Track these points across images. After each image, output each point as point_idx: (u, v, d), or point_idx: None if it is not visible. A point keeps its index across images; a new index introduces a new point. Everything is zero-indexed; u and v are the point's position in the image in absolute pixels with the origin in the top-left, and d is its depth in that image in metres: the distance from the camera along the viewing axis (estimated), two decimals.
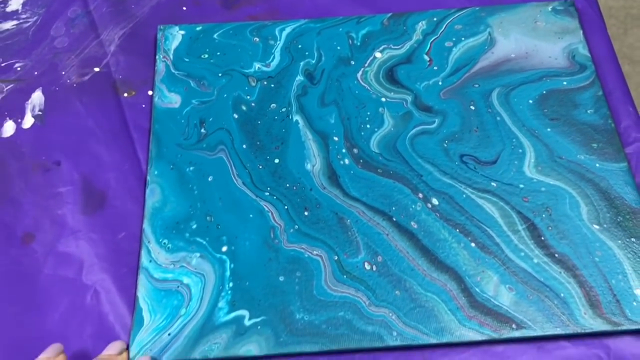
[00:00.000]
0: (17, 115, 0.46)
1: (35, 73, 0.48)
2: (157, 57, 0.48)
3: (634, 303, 0.37)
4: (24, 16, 0.52)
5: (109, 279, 0.39)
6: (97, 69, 0.48)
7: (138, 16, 0.51)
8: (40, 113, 0.46)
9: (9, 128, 0.46)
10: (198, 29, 0.49)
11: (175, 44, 0.48)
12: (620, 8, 1.20)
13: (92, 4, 0.52)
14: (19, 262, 0.40)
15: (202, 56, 0.48)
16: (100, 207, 0.42)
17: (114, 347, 0.35)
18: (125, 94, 0.47)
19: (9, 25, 0.51)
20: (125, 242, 0.40)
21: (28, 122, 0.46)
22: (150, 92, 0.46)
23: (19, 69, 0.49)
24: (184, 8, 0.51)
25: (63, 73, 0.48)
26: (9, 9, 0.52)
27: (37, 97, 0.47)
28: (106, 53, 0.49)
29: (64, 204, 0.42)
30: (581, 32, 0.47)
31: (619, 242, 0.39)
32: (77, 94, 0.47)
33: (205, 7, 0.51)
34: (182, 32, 0.49)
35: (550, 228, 0.39)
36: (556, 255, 0.39)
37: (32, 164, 0.44)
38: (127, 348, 0.36)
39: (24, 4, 0.52)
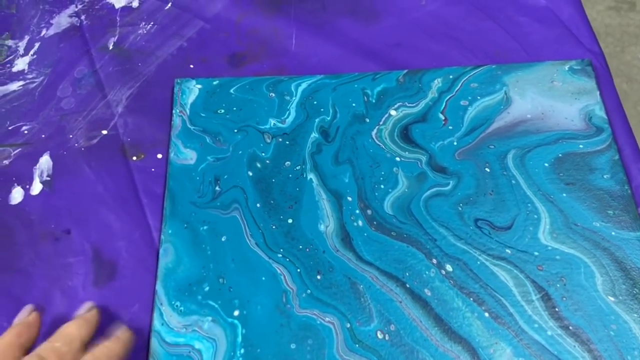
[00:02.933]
0: (25, 181, 0.47)
1: (43, 136, 0.49)
2: (173, 111, 0.48)
3: None
4: (30, 76, 0.52)
5: None
6: (104, 132, 0.48)
7: (145, 75, 0.51)
8: (48, 179, 0.46)
9: (17, 195, 0.46)
10: (215, 83, 0.50)
11: (192, 98, 0.49)
12: (616, 26, 1.20)
13: (98, 63, 0.52)
14: None
15: (219, 111, 0.48)
16: (112, 278, 0.42)
17: (82, 308, 0.38)
18: (135, 158, 0.47)
19: (15, 86, 0.52)
20: (137, 314, 0.40)
21: (36, 188, 0.46)
22: (159, 155, 0.47)
23: (26, 132, 0.49)
24: (191, 66, 0.52)
25: (71, 136, 0.48)
26: (15, 69, 0.53)
27: (45, 162, 0.47)
28: (113, 114, 0.49)
29: (75, 275, 0.42)
30: (598, 93, 0.47)
31: (635, 315, 0.38)
32: (86, 159, 0.47)
33: (212, 64, 0.52)
34: (199, 86, 0.49)
35: (564, 299, 0.39)
36: (570, 327, 0.38)
37: (41, 232, 0.44)
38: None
39: (30, 64, 0.53)
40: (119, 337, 0.37)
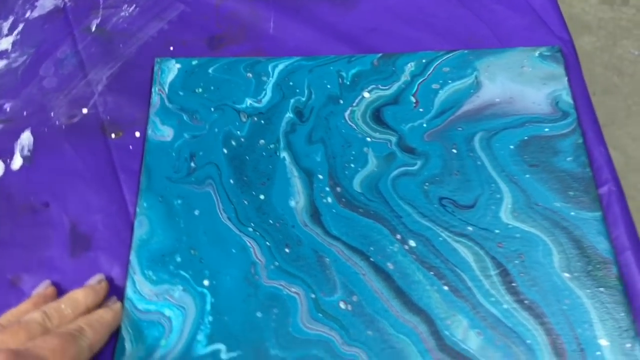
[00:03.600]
0: (7, 155, 0.48)
1: (25, 113, 0.50)
2: (152, 89, 0.50)
3: (598, 353, 0.38)
4: (13, 56, 0.53)
5: None
6: (85, 110, 0.50)
7: (125, 56, 0.53)
8: (29, 154, 0.48)
9: None
10: (194, 62, 0.51)
11: (171, 77, 0.50)
12: (609, 20, 1.21)
13: (80, 44, 0.54)
14: (8, 304, 0.41)
15: (197, 90, 0.49)
16: (87, 249, 0.44)
17: (93, 279, 0.41)
18: (113, 135, 0.48)
19: None
20: (111, 284, 0.42)
21: (17, 163, 0.48)
22: (137, 134, 0.48)
23: (8, 109, 0.50)
24: (171, 48, 0.53)
25: (52, 114, 0.50)
26: None
27: (26, 138, 0.49)
28: (94, 93, 0.51)
29: (52, 246, 0.44)
30: (566, 79, 0.48)
31: (588, 291, 0.40)
32: (66, 135, 0.49)
33: (192, 47, 0.53)
34: (179, 65, 0.51)
35: (522, 274, 0.41)
36: (526, 302, 0.40)
37: (21, 205, 0.46)
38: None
39: (13, 43, 0.54)
40: (111, 307, 0.40)
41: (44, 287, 0.41)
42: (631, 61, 1.17)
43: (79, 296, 0.39)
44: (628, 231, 0.42)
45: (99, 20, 0.56)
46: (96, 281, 0.41)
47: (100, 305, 0.40)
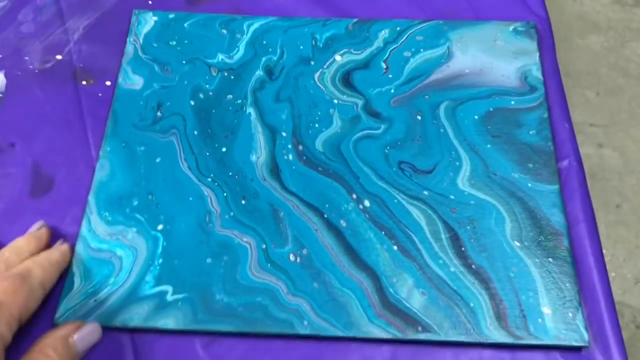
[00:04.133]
0: None
1: (0, 56, 0.51)
2: (127, 39, 0.50)
3: (539, 320, 0.38)
4: None
5: None
6: (59, 57, 0.50)
7: (105, 7, 0.53)
8: (0, 96, 0.48)
9: None
10: (171, 16, 0.51)
11: (146, 28, 0.51)
12: (619, 20, 1.20)
13: None
14: None
15: (170, 43, 0.50)
16: (48, 191, 0.44)
17: (33, 227, 0.41)
18: (84, 82, 0.49)
19: None
20: (69, 226, 0.42)
21: None
22: (108, 83, 0.49)
23: None
24: (150, 2, 0.53)
25: (26, 58, 0.50)
26: None
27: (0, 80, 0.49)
28: (69, 41, 0.51)
29: (13, 185, 0.44)
30: (537, 54, 0.49)
31: (536, 260, 0.40)
32: (38, 80, 0.49)
33: (170, 2, 0.53)
34: (155, 18, 0.51)
35: (472, 240, 0.41)
36: (473, 266, 0.40)
37: None
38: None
39: None
40: (58, 247, 0.40)
41: (37, 228, 0.41)
42: (638, 63, 1.16)
43: (21, 243, 0.39)
44: (583, 205, 0.43)
45: None
46: (36, 227, 0.41)
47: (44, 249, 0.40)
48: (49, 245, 0.41)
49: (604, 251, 0.42)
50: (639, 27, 1.21)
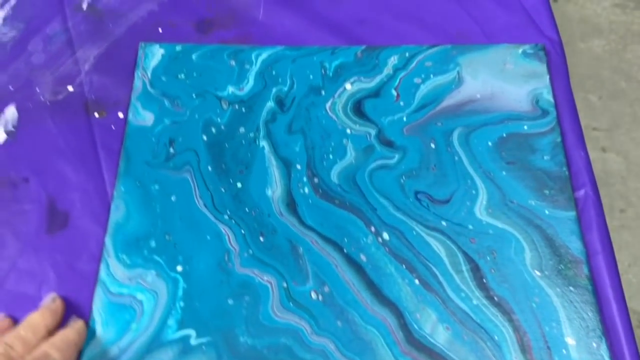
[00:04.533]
0: None
1: (11, 88, 0.50)
2: (135, 74, 0.50)
3: (564, 351, 0.38)
4: (3, 30, 0.53)
5: (67, 298, 0.41)
6: (70, 88, 0.50)
7: (114, 36, 0.53)
8: (13, 129, 0.48)
9: None
10: (178, 48, 0.51)
11: (154, 62, 0.50)
12: (621, 23, 1.20)
13: (70, 21, 0.54)
14: None
15: (179, 76, 0.49)
16: (64, 227, 0.44)
17: (47, 299, 0.41)
18: (97, 114, 0.49)
19: None
20: (85, 263, 0.42)
21: (0, 137, 0.48)
22: (121, 114, 0.48)
23: None
24: (160, 30, 0.53)
25: (37, 90, 0.50)
26: None
27: (11, 113, 0.49)
28: (80, 72, 0.51)
29: (29, 222, 0.44)
30: (548, 77, 0.49)
31: (558, 290, 0.40)
32: (50, 112, 0.49)
33: (180, 30, 0.53)
34: (162, 50, 0.51)
35: (493, 271, 0.41)
36: (495, 298, 0.40)
37: (1, 178, 0.46)
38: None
39: (4, 19, 0.54)
40: (73, 326, 0.39)
41: (51, 301, 0.40)
42: None
43: (37, 319, 0.39)
44: (601, 236, 0.43)
45: None
46: (50, 300, 0.40)
47: (61, 323, 0.40)
48: (64, 316, 0.40)
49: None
50: None
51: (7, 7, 0.55)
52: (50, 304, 0.40)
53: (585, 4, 1.21)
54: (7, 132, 0.48)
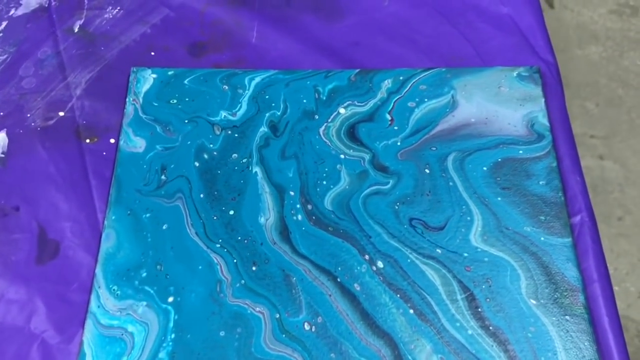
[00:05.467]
0: None
1: (1, 114, 0.50)
2: (127, 99, 0.49)
3: None
4: None
5: (57, 330, 0.41)
6: (61, 114, 0.50)
7: (106, 59, 0.52)
8: (2, 156, 0.47)
9: None
10: (170, 73, 0.51)
11: (146, 87, 0.50)
12: (618, 30, 1.20)
13: (62, 44, 0.53)
14: None
15: (171, 101, 0.49)
16: (54, 257, 0.43)
17: None
18: (88, 140, 0.48)
19: None
20: (76, 294, 0.42)
21: None
22: (112, 140, 0.48)
23: None
24: (152, 53, 0.53)
25: (28, 115, 0.50)
26: None
27: (1, 139, 0.48)
28: (72, 97, 0.50)
29: (19, 251, 0.43)
30: (543, 100, 0.48)
31: (554, 319, 0.40)
32: (41, 138, 0.48)
33: (173, 53, 0.53)
34: (154, 75, 0.50)
35: (488, 300, 0.41)
36: (490, 328, 0.40)
37: None
38: None
39: None
40: None
41: None
42: (637, 74, 1.16)
43: None
44: (597, 263, 0.42)
45: (82, 21, 0.55)
46: None
47: None
48: None
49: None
50: (637, 37, 1.21)
51: None
52: None
53: (582, 11, 1.20)
54: None
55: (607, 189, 1.02)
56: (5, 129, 0.49)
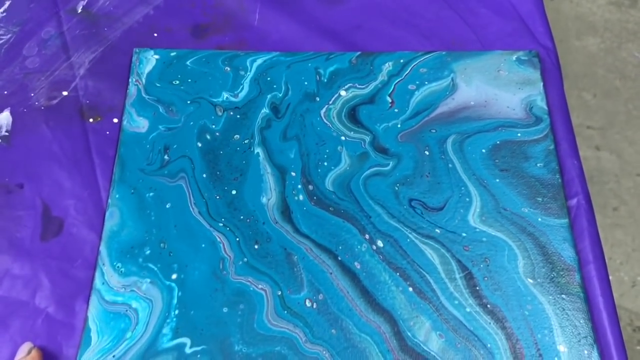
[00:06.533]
0: None
1: (5, 92, 0.50)
2: (130, 79, 0.50)
3: (556, 359, 0.39)
4: None
5: (61, 305, 0.41)
6: (65, 93, 0.50)
7: (109, 40, 0.53)
8: (7, 134, 0.48)
9: None
10: (172, 54, 0.51)
11: (148, 68, 0.50)
12: (616, 21, 1.20)
13: (65, 25, 0.54)
14: None
15: (174, 82, 0.49)
16: (58, 234, 0.44)
17: (22, 350, 0.38)
18: (91, 120, 0.48)
19: None
20: (79, 270, 0.42)
21: None
22: (115, 120, 0.48)
23: None
24: (155, 34, 0.53)
25: (32, 95, 0.50)
26: None
27: (5, 118, 0.48)
28: (75, 76, 0.51)
29: (23, 228, 0.44)
30: (541, 84, 0.49)
31: (550, 297, 0.41)
32: (45, 117, 0.49)
33: (176, 35, 0.53)
34: (157, 56, 0.51)
35: (486, 278, 0.41)
36: (488, 305, 0.40)
37: None
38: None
39: None
40: None
41: (26, 352, 0.38)
42: (635, 65, 1.17)
43: None
44: (592, 245, 0.43)
45: (85, 1, 0.56)
46: (25, 352, 0.38)
47: None
48: None
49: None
50: (635, 28, 1.21)
51: (1, 10, 0.55)
52: (25, 357, 0.38)
53: (581, 2, 1.21)
54: (1, 137, 0.48)
55: (603, 180, 1.03)
56: (9, 108, 0.49)
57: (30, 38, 0.53)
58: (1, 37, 0.53)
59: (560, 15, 1.16)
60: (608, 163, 1.06)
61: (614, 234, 1.00)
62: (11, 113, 0.49)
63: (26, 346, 0.38)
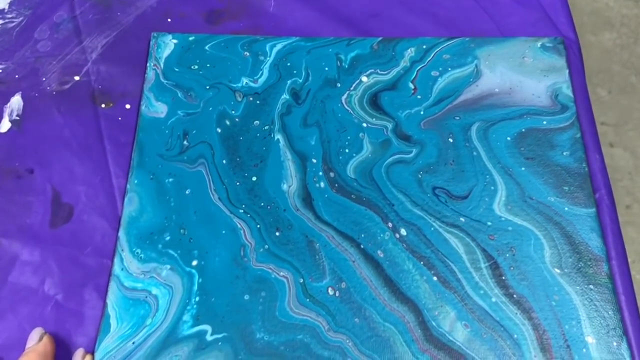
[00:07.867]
0: None
1: (17, 76, 0.49)
2: (148, 64, 0.49)
3: (584, 350, 0.38)
4: (9, 16, 0.52)
5: (71, 292, 0.40)
6: (77, 78, 0.49)
7: (122, 25, 0.52)
8: (17, 118, 0.47)
9: None
10: (191, 38, 0.50)
11: (167, 52, 0.49)
12: (633, 17, 1.19)
13: (78, 9, 0.53)
14: None
15: (192, 67, 0.49)
16: (68, 220, 0.43)
17: (32, 338, 0.37)
18: (103, 105, 0.48)
19: None
20: (89, 257, 0.42)
21: (5, 126, 0.47)
22: (128, 106, 0.47)
23: (0, 71, 0.49)
24: (169, 20, 0.52)
25: (44, 79, 0.49)
26: None
27: (16, 102, 0.48)
28: (87, 61, 0.50)
29: (33, 214, 0.43)
30: (567, 71, 0.48)
31: (578, 288, 0.40)
32: (56, 102, 0.48)
33: (190, 20, 0.52)
34: (175, 41, 0.50)
35: (512, 268, 0.40)
36: (514, 295, 0.40)
37: (5, 169, 0.45)
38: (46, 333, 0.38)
39: (10, 4, 0.53)
40: None
41: (37, 338, 0.37)
42: None
43: None
44: (615, 241, 0.42)
45: None
46: (37, 338, 0.37)
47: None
48: (54, 352, 0.37)
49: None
50: None
51: None
52: (36, 345, 0.37)
53: None
54: (12, 121, 0.47)
55: (616, 177, 1.02)
56: (20, 92, 0.48)
57: (43, 21, 0.53)
58: (13, 19, 0.52)
59: (576, 10, 1.15)
60: (622, 160, 1.04)
61: (626, 231, 0.98)
62: (22, 97, 0.48)
63: (37, 333, 0.37)
